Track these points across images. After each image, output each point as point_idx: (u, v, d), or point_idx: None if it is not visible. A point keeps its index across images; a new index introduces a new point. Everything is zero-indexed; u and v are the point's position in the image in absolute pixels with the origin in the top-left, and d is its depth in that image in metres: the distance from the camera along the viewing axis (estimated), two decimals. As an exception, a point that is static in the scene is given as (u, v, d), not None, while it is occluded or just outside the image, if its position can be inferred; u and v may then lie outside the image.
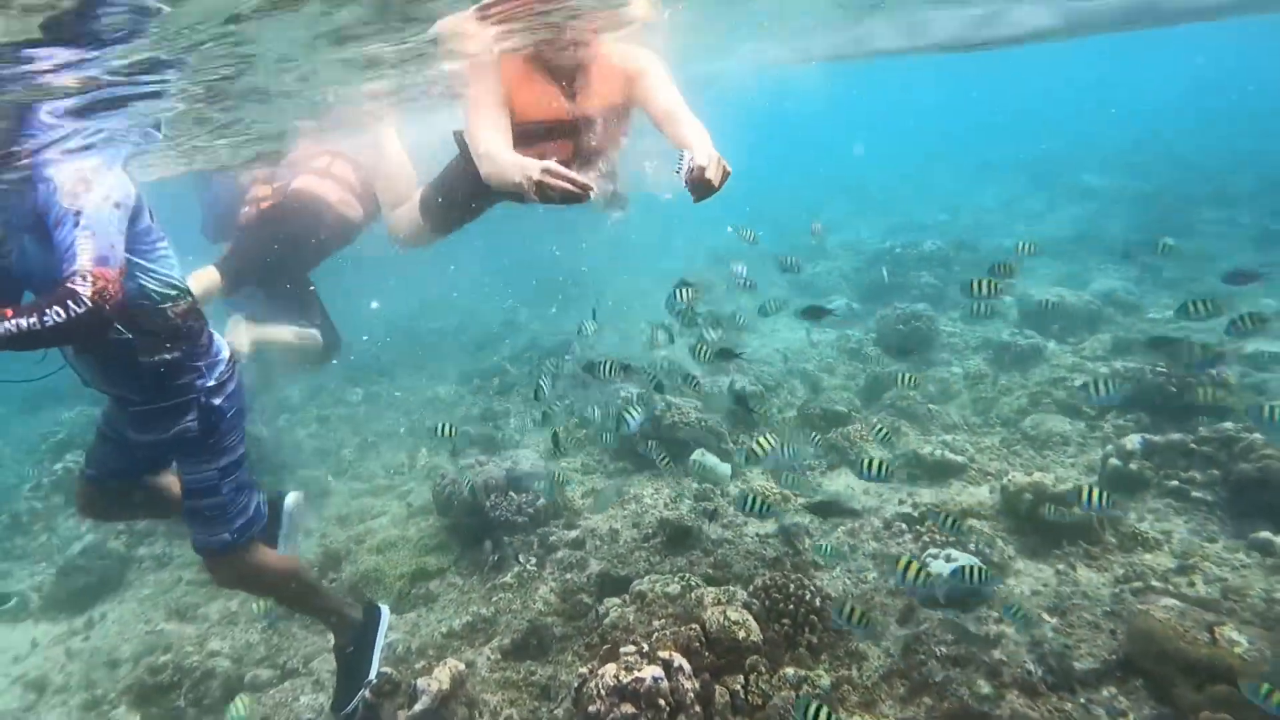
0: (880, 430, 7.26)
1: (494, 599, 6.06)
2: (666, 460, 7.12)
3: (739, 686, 4.53)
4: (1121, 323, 10.54)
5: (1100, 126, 31.26)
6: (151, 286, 3.74)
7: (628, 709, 4.13)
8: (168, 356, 3.81)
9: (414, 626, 6.01)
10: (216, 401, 4.00)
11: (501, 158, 4.34)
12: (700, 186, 3.87)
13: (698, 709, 4.30)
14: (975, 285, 6.10)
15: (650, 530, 6.67)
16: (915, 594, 5.31)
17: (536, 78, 4.88)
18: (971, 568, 4.94)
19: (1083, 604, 5.14)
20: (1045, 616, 5.07)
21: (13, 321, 2.98)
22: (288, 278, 6.94)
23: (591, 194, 3.89)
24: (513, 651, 5.43)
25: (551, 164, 3.93)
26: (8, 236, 3.57)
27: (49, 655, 6.77)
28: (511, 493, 7.10)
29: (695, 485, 7.44)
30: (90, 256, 3.21)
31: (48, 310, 3.04)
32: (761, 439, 5.61)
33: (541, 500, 7.06)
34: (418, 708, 4.52)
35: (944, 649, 4.78)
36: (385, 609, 4.96)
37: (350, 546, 7.49)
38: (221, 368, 4.07)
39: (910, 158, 31.82)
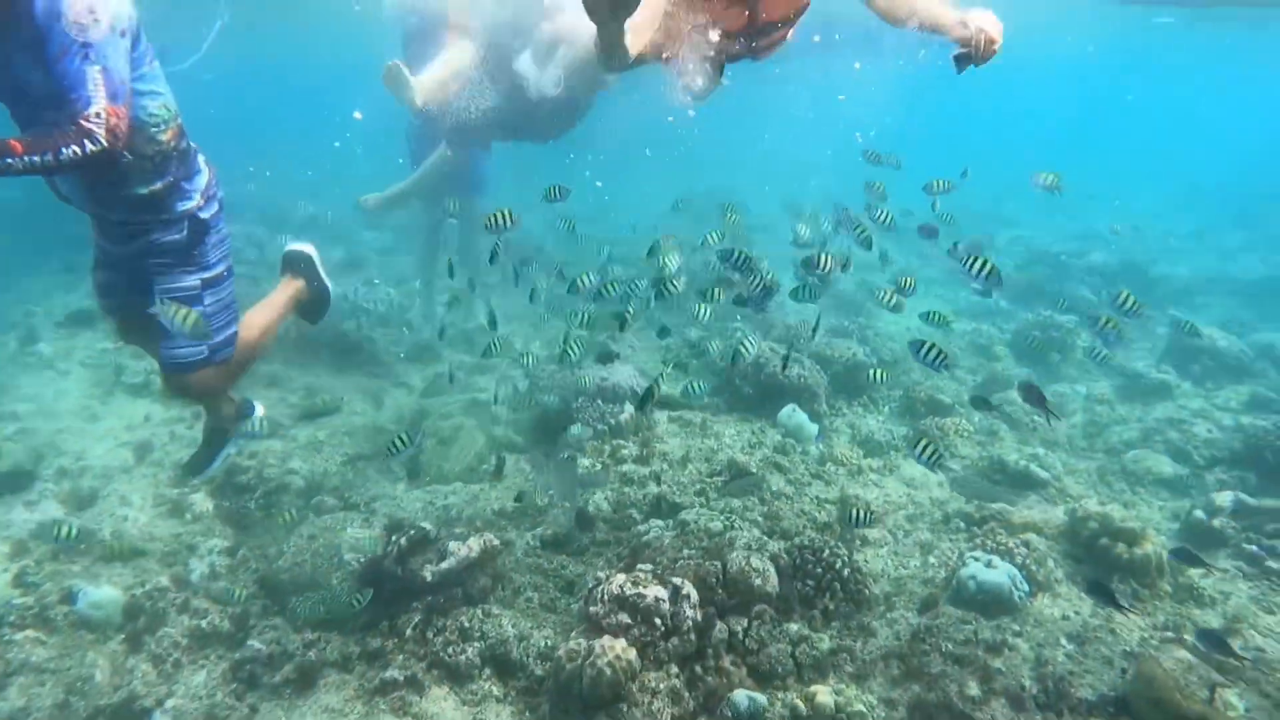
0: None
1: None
2: None
3: (740, 628, 4.81)
4: (1272, 379, 9.90)
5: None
6: (148, 110, 3.74)
7: (624, 618, 4.49)
8: (159, 185, 3.91)
9: (474, 497, 6.56)
10: (204, 215, 4.14)
11: None
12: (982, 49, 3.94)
13: (692, 637, 4.60)
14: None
15: (718, 468, 6.95)
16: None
17: None
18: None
19: (1107, 639, 5.13)
20: (1063, 642, 5.10)
21: (26, 157, 3.10)
22: None
23: None
24: (552, 543, 5.89)
25: None
26: None
27: (155, 432, 7.58)
28: (599, 400, 7.52)
29: (778, 438, 7.64)
30: (103, 94, 3.25)
31: (63, 148, 3.16)
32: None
33: (623, 415, 7.46)
34: (443, 565, 5.02)
35: (950, 645, 4.91)
36: (258, 407, 5.41)
37: (441, 409, 8.20)
38: (207, 184, 4.17)
39: (1118, 167, 30.04)
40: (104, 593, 5.21)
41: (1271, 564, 5.94)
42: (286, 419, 8.01)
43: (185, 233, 4.11)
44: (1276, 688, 4.63)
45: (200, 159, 4.19)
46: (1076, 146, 37.91)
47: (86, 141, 3.21)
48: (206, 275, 4.26)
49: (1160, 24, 20.80)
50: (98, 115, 3.23)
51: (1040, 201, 22.61)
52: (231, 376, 4.73)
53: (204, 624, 5.11)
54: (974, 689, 4.58)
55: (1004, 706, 4.46)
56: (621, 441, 7.26)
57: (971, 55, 3.97)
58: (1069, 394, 9.48)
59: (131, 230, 4.05)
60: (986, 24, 3.92)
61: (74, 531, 5.21)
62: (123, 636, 5.07)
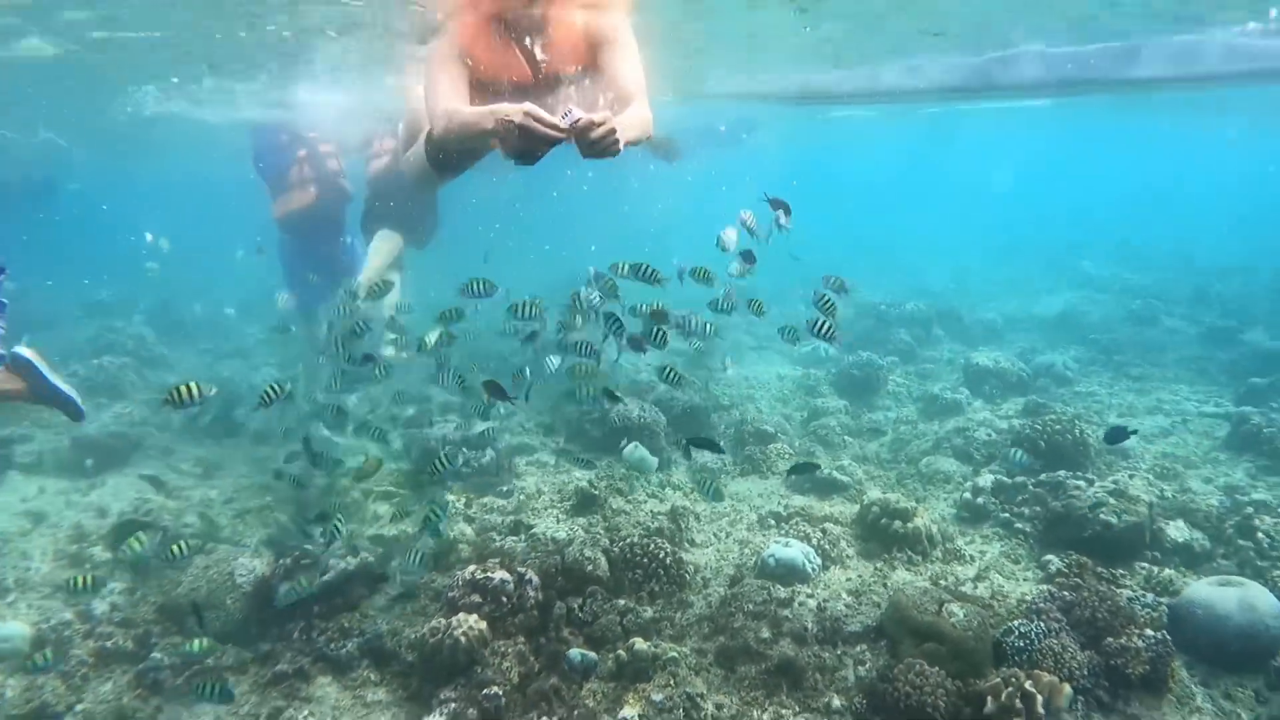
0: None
1: (422, 522, 7.42)
2: None
3: (576, 605, 5.80)
4: (1052, 392, 11.61)
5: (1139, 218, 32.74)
6: None
7: (475, 598, 5.44)
8: None
9: (356, 533, 7.39)
10: None
11: (463, 112, 4.31)
12: (585, 143, 3.74)
13: (536, 613, 5.58)
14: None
15: (567, 495, 7.97)
16: None
17: (494, 36, 4.93)
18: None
19: (879, 591, 6.32)
20: (844, 596, 6.26)
21: None
22: None
23: (564, 137, 3.73)
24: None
25: (532, 106, 3.71)
26: None
27: (51, 500, 8.29)
28: (463, 449, 8.48)
29: (623, 470, 8.72)
30: None
31: None
32: None
33: (485, 458, 8.43)
34: (324, 577, 5.89)
35: (751, 605, 5.98)
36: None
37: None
38: None
39: (948, 231, 33.20)
40: (9, 627, 5.80)
41: (1018, 525, 7.30)
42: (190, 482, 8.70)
43: None
44: (1006, 609, 5.93)
45: None
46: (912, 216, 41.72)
47: None
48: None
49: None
50: None
51: (877, 266, 24.92)
52: None
53: (109, 645, 5.76)
54: (766, 633, 5.66)
55: (790, 643, 5.54)
56: (484, 480, 8.23)
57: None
58: (881, 419, 10.91)
59: None
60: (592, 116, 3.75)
61: None
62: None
